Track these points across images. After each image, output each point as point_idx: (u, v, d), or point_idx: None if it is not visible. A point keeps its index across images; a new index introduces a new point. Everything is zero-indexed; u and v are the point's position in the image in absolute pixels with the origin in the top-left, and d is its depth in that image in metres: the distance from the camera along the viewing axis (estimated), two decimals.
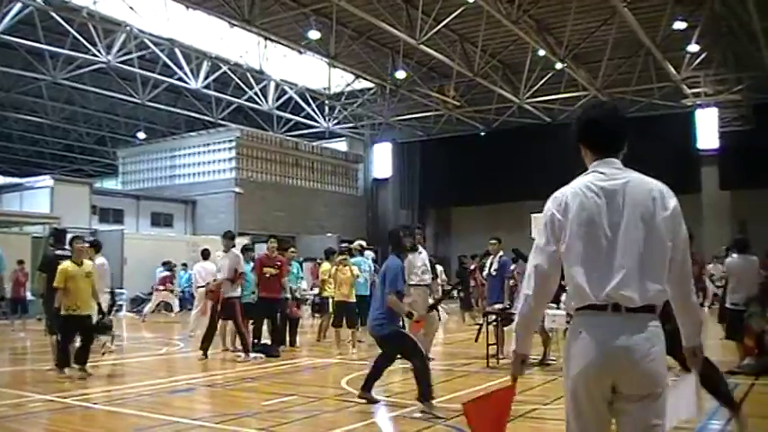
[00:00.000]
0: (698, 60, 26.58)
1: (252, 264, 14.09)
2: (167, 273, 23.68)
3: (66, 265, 10.89)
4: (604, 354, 3.21)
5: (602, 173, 3.47)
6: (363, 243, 16.38)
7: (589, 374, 3.24)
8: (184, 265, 25.25)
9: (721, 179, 30.17)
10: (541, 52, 25.61)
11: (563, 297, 12.39)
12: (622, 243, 3.28)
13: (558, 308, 12.16)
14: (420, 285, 11.57)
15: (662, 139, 30.02)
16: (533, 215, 33.37)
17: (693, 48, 25.26)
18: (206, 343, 13.10)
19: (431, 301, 12.02)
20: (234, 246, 13.54)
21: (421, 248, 12.06)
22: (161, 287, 23.21)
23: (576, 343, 3.31)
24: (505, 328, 12.67)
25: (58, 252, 11.99)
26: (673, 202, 3.41)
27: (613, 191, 3.37)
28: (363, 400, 8.33)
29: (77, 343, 10.93)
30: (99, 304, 11.36)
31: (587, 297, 3.27)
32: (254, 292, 13.97)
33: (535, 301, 3.46)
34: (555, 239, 3.41)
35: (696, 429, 7.02)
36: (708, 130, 30.91)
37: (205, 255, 16.57)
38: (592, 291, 3.26)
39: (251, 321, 13.88)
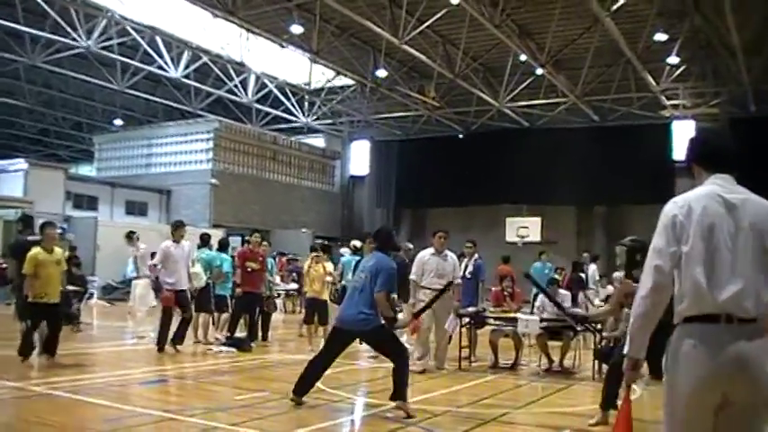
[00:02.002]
0: (677, 72, 26.84)
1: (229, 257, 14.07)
2: None
3: (36, 251, 10.76)
4: (718, 364, 3.28)
5: (721, 185, 3.59)
6: (357, 243, 16.34)
7: (702, 385, 3.31)
8: (153, 254, 24.94)
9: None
10: (523, 57, 25.67)
11: (537, 302, 12.52)
12: (742, 253, 3.39)
13: (531, 313, 12.28)
14: (429, 288, 11.52)
15: (638, 149, 30.31)
16: (508, 218, 33.81)
17: (673, 60, 25.47)
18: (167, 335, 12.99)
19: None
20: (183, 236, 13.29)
21: (447, 252, 12.04)
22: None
23: (687, 353, 3.37)
24: (478, 331, 12.75)
25: (30, 238, 11.79)
26: None
27: (734, 203, 3.49)
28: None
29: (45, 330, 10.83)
30: (64, 292, 11.25)
31: (705, 301, 3.35)
32: (237, 285, 13.96)
33: (652, 302, 3.49)
34: (677, 240, 3.47)
35: None
36: (684, 142, 31.02)
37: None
38: (711, 295, 3.34)
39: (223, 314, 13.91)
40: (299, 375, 8.24)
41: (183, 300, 12.87)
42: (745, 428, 3.36)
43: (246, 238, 14.89)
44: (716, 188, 3.57)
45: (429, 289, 11.43)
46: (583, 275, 19.99)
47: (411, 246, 16.40)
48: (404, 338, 11.52)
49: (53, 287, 10.76)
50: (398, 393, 7.83)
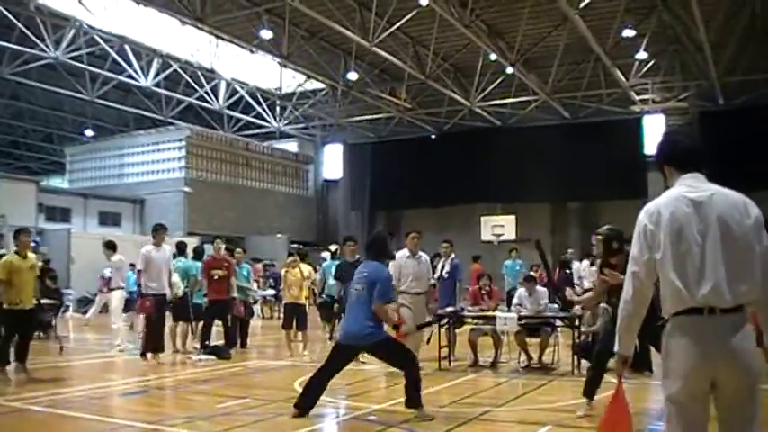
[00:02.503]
0: (646, 68, 27.13)
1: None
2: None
3: (10, 257, 10.67)
4: (705, 353, 3.55)
5: (689, 186, 3.82)
6: (332, 248, 16.27)
7: (692, 373, 3.57)
8: (132, 265, 24.82)
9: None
10: (493, 56, 25.76)
11: (514, 299, 12.57)
12: (712, 249, 3.62)
13: (508, 311, 12.33)
14: (408, 293, 11.55)
15: (610, 145, 30.55)
16: (483, 217, 33.90)
17: (642, 55, 25.75)
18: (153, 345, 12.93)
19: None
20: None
21: (421, 253, 12.08)
22: (104, 289, 22.77)
23: (675, 345, 3.65)
24: (457, 331, 12.78)
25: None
26: (755, 211, 3.73)
27: (701, 201, 3.72)
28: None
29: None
30: (38, 300, 11.17)
31: (685, 300, 3.61)
32: (204, 295, 13.91)
33: (634, 306, 3.82)
34: (649, 248, 3.75)
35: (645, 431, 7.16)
36: (655, 136, 31.35)
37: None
38: (689, 294, 3.60)
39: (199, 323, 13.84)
40: (302, 391, 8.12)
41: (162, 305, 12.83)
42: (736, 411, 3.60)
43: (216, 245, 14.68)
44: (683, 189, 3.81)
45: (408, 293, 11.46)
46: (568, 272, 20.07)
47: None
48: None
49: (27, 293, 10.68)
50: (414, 401, 7.79)
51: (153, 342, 12.68)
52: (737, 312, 3.58)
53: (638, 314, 3.83)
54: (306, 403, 7.91)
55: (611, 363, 10.44)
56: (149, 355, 12.65)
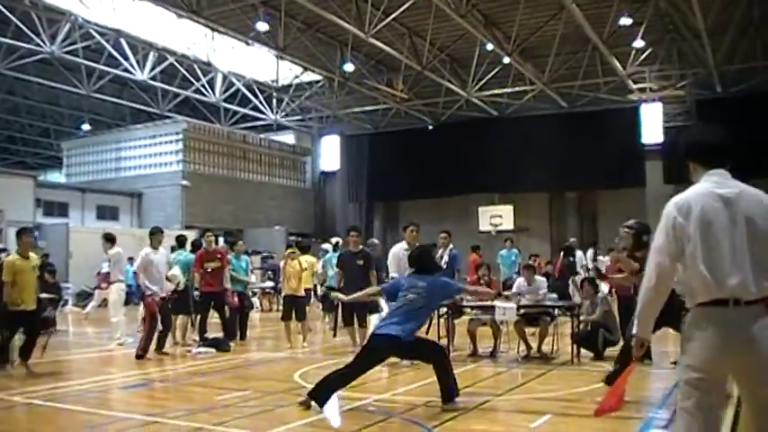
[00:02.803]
0: (643, 56, 27.06)
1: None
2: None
3: (13, 258, 10.69)
4: (728, 341, 3.69)
5: (716, 182, 3.92)
6: (334, 240, 16.25)
7: (715, 360, 3.72)
8: (130, 259, 24.85)
9: (665, 173, 30.66)
10: (489, 46, 25.74)
11: (513, 289, 12.58)
12: (740, 244, 3.76)
13: (505, 298, 12.34)
14: None
15: (608, 134, 30.56)
16: (481, 208, 33.92)
17: (639, 44, 25.70)
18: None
19: None
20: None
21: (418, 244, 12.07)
22: (104, 285, 22.75)
23: (699, 333, 3.77)
24: (456, 321, 12.79)
25: None
26: None
27: (729, 198, 3.84)
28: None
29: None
30: (40, 299, 11.19)
31: (712, 292, 3.73)
32: (197, 288, 13.93)
33: (656, 293, 3.94)
34: (676, 240, 3.85)
35: (645, 419, 7.18)
36: (652, 124, 31.39)
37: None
38: (717, 286, 3.72)
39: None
40: (322, 380, 7.82)
41: (164, 307, 12.85)
42: (757, 396, 3.76)
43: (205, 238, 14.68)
44: (711, 185, 3.89)
45: None
46: (571, 259, 20.09)
47: (377, 242, 16.49)
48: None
49: (29, 294, 10.69)
50: (448, 394, 7.77)
51: (154, 341, 12.64)
52: (759, 304, 3.70)
53: (660, 302, 3.95)
54: (324, 397, 7.64)
55: (610, 350, 10.53)
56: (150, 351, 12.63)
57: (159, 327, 12.62)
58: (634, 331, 4.08)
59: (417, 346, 8.16)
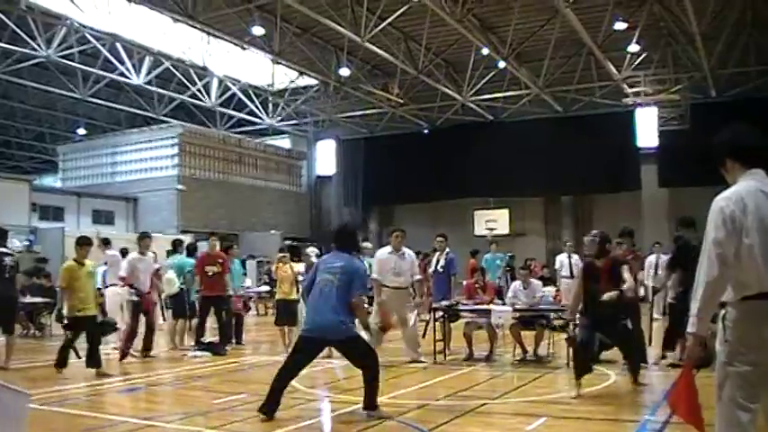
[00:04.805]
0: (638, 60, 27.13)
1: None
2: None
3: (69, 264, 11.09)
4: None
5: (759, 181, 4.06)
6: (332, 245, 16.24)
7: (758, 348, 3.85)
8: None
9: (660, 177, 30.72)
10: (485, 51, 25.77)
11: (509, 293, 12.61)
12: None
13: (503, 304, 12.36)
14: (388, 287, 11.71)
15: (603, 138, 30.59)
16: (476, 212, 33.95)
17: (633, 48, 25.75)
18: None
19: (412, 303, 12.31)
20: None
21: (405, 249, 12.16)
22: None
23: (750, 327, 3.90)
24: (452, 325, 12.81)
25: (2, 250, 11.81)
26: None
27: None
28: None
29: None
30: (100, 304, 11.58)
31: (764, 286, 3.86)
32: (197, 291, 13.94)
33: (718, 288, 3.97)
34: (736, 233, 3.93)
35: (641, 422, 7.19)
36: (647, 128, 31.45)
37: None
38: None
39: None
40: (267, 396, 7.66)
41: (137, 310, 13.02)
42: None
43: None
44: (757, 184, 4.04)
45: (387, 287, 11.58)
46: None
47: (370, 245, 16.54)
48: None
49: (87, 299, 11.03)
50: (371, 402, 7.64)
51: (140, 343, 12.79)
52: None
53: (719, 296, 4.00)
54: (270, 408, 7.54)
55: (606, 354, 10.54)
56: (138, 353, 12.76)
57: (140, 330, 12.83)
58: (691, 330, 4.05)
59: (357, 344, 7.83)
